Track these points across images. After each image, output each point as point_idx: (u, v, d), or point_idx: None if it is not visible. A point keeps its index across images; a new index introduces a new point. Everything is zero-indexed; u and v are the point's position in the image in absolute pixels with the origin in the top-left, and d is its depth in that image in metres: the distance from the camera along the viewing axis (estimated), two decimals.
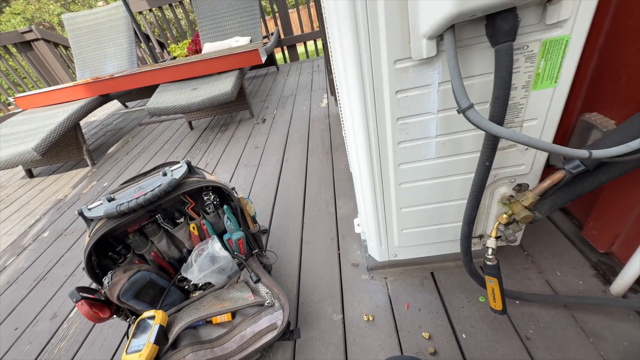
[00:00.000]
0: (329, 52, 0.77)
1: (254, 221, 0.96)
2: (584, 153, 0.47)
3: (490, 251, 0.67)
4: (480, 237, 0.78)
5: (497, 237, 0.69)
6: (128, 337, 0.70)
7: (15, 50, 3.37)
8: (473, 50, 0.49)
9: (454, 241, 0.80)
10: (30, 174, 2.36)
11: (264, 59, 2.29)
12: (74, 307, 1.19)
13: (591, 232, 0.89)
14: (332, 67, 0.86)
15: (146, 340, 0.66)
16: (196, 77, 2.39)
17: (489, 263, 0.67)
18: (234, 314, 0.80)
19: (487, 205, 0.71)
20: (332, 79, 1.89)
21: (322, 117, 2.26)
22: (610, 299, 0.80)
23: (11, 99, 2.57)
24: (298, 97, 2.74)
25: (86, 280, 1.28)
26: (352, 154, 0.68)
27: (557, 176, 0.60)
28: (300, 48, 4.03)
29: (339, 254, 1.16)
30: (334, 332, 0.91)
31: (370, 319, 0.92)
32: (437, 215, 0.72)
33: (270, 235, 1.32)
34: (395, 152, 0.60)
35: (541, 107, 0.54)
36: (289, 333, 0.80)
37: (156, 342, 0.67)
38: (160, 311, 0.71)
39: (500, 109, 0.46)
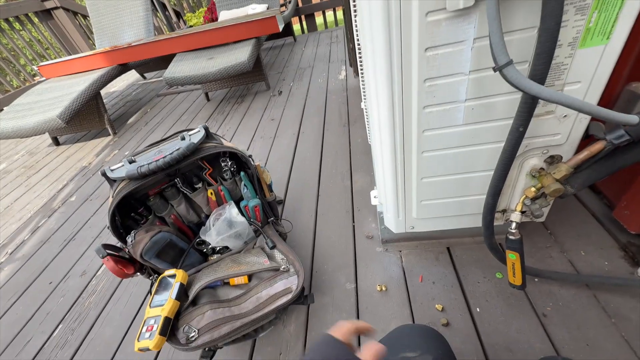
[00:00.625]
0: (352, 10, 0.72)
1: (270, 190, 0.96)
2: (633, 119, 0.43)
3: (514, 225, 0.65)
4: (503, 211, 0.75)
5: (522, 212, 0.66)
6: (151, 293, 0.73)
7: (37, 20, 3.40)
8: (515, 0, 0.44)
9: (475, 215, 0.77)
10: (56, 141, 2.45)
11: (281, 26, 2.21)
12: (102, 265, 1.26)
13: (623, 212, 0.84)
14: (354, 29, 0.81)
15: (168, 296, 0.69)
16: (212, 47, 2.34)
17: (511, 237, 0.64)
18: (250, 277, 0.82)
19: (514, 178, 0.67)
20: (352, 48, 1.81)
21: (339, 89, 2.19)
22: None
23: (35, 68, 2.63)
24: (315, 69, 2.66)
25: (112, 241, 1.35)
26: (373, 121, 0.65)
27: (596, 147, 0.55)
28: (319, 19, 3.85)
29: (354, 226, 1.16)
30: (347, 299, 0.93)
31: (383, 289, 0.92)
32: (459, 186, 0.69)
33: (285, 206, 1.33)
34: (419, 118, 0.57)
35: (587, 68, 0.49)
36: (303, 298, 0.82)
37: (177, 298, 0.71)
38: (180, 270, 0.74)
39: (542, 67, 0.42)
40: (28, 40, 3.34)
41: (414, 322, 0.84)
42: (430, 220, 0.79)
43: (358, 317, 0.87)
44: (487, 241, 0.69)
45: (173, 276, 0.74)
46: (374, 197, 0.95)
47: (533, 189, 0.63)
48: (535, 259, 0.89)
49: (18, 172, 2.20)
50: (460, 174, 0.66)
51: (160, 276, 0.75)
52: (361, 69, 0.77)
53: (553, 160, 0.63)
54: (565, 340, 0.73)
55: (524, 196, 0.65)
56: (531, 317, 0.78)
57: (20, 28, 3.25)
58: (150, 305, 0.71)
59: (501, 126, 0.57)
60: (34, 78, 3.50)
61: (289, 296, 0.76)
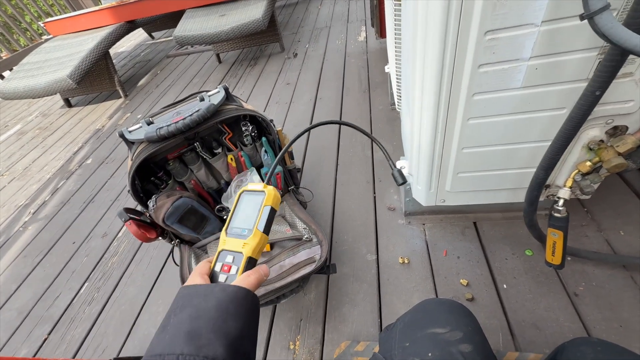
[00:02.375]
0: None
1: (291, 157, 0.92)
2: None
3: (561, 202, 0.60)
4: (546, 187, 0.69)
5: (570, 188, 0.61)
6: (231, 207, 0.46)
7: None
8: None
9: (513, 190, 0.72)
10: (68, 103, 2.42)
11: None
12: (122, 228, 1.28)
13: None
14: None
15: (253, 225, 0.42)
16: (224, 2, 2.19)
17: (557, 215, 0.59)
18: (272, 245, 0.80)
19: (566, 151, 0.61)
20: (377, 5, 1.65)
21: (359, 52, 2.05)
22: None
23: (41, 25, 2.52)
24: (333, 29, 2.48)
25: (130, 204, 1.36)
26: (411, 83, 0.58)
27: None
28: None
29: (375, 197, 1.12)
30: (368, 270, 0.91)
31: (406, 261, 0.91)
32: (503, 158, 0.63)
33: (303, 175, 1.29)
34: (472, 79, 0.50)
35: None
36: (325, 268, 0.81)
37: (265, 230, 0.42)
38: (271, 187, 0.44)
39: None
40: None
41: (437, 295, 0.82)
42: (464, 194, 0.75)
43: (379, 289, 0.87)
44: (527, 217, 0.64)
45: (259, 193, 0.44)
46: (401, 167, 0.90)
47: (588, 163, 0.57)
48: (569, 237, 0.84)
49: (33, 134, 2.20)
50: (507, 144, 0.60)
51: (243, 189, 0.46)
52: (398, 18, 0.68)
53: (615, 131, 0.56)
54: (597, 320, 0.70)
55: (576, 171, 0.59)
56: (561, 296, 0.75)
57: None
58: (226, 231, 0.43)
59: (566, 90, 0.50)
60: (41, 37, 3.39)
61: (313, 266, 0.74)
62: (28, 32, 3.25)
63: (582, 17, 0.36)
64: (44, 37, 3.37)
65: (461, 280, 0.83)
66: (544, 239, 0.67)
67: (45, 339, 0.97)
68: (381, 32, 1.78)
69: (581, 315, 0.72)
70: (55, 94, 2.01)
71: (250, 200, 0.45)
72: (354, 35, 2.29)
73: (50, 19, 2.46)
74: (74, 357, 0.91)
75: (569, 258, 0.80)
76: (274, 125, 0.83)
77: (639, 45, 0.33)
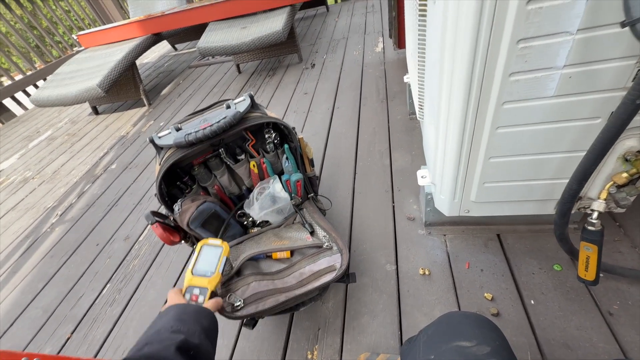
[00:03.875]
0: None
1: (312, 164, 0.92)
2: None
3: (595, 215, 0.57)
4: (578, 199, 0.67)
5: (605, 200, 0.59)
6: (193, 258, 0.64)
7: None
8: None
9: (542, 201, 0.70)
10: (95, 111, 2.53)
11: None
12: (143, 231, 1.31)
13: None
14: None
15: (215, 269, 0.61)
16: (246, 15, 2.26)
17: (591, 228, 0.57)
18: (292, 252, 0.80)
19: (600, 162, 0.59)
20: (395, 17, 1.67)
21: (376, 63, 2.07)
22: None
23: (74, 37, 2.68)
24: (350, 40, 2.52)
25: (153, 207, 1.39)
26: (437, 92, 0.58)
27: None
28: None
29: (394, 206, 1.11)
30: (387, 281, 0.90)
31: (427, 273, 0.89)
32: (533, 169, 0.62)
33: (320, 183, 1.29)
34: (502, 87, 0.50)
35: None
36: (345, 277, 0.80)
37: (223, 273, 0.62)
38: (225, 243, 0.65)
39: None
40: (66, 9, 3.40)
41: (459, 309, 0.80)
42: (489, 205, 0.73)
43: (399, 300, 0.85)
44: (558, 230, 0.62)
45: (218, 247, 0.65)
46: (422, 177, 0.89)
47: (625, 174, 0.55)
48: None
49: (62, 139, 2.31)
50: (536, 154, 0.59)
51: (203, 242, 0.65)
52: (422, 26, 0.68)
53: None
54: (634, 342, 0.66)
55: (612, 183, 0.57)
56: (594, 314, 0.72)
57: None
58: (192, 271, 0.61)
59: (601, 99, 0.49)
60: (73, 48, 3.59)
61: (333, 274, 0.74)
62: (61, 44, 3.46)
63: (623, 24, 0.35)
64: (75, 48, 3.57)
65: (485, 294, 0.80)
66: (576, 253, 0.64)
67: (69, 338, 1.00)
68: (399, 43, 1.80)
69: (617, 335, 0.68)
70: (85, 102, 2.11)
71: (211, 252, 0.65)
72: (371, 46, 2.31)
73: (82, 32, 2.61)
74: (95, 356, 0.93)
75: (601, 274, 0.77)
76: (296, 133, 0.84)
77: None
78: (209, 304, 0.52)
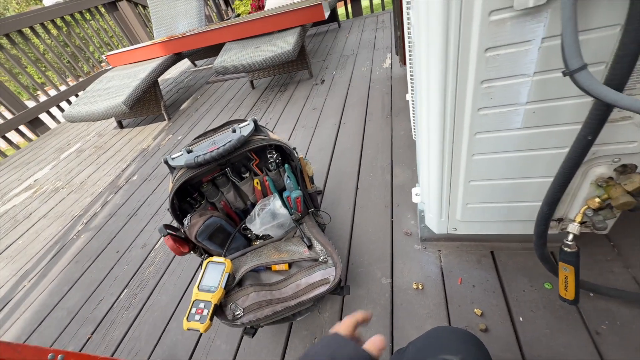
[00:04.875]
0: (404, 3, 0.70)
1: (312, 181, 0.99)
2: None
3: (570, 237, 0.60)
4: (559, 220, 0.70)
5: (582, 223, 0.61)
6: (200, 275, 0.77)
7: (104, 10, 3.72)
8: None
9: (526, 222, 0.73)
10: (120, 125, 2.72)
11: (327, 14, 2.19)
12: (159, 240, 1.41)
13: None
14: (405, 19, 0.78)
15: (218, 285, 0.73)
16: (259, 35, 2.40)
17: (566, 249, 0.60)
18: (290, 265, 0.86)
19: (576, 186, 0.62)
20: (400, 36, 1.73)
21: (383, 79, 2.13)
22: None
23: (104, 57, 2.90)
24: (359, 56, 2.60)
25: (167, 219, 1.50)
26: (420, 119, 0.64)
27: None
28: (364, 1, 3.72)
29: (392, 221, 1.15)
30: (382, 294, 0.94)
31: (420, 287, 0.92)
32: (511, 192, 0.66)
33: (324, 196, 1.35)
34: (473, 120, 0.55)
35: None
36: (339, 289, 0.85)
37: (225, 287, 0.75)
38: (228, 260, 0.77)
39: (623, 71, 0.38)
40: (96, 29, 3.69)
41: (450, 323, 0.83)
42: (475, 224, 0.77)
43: (392, 313, 0.89)
44: (538, 251, 0.65)
45: (221, 264, 0.77)
46: (416, 194, 0.93)
47: (597, 199, 0.58)
48: (592, 273, 0.82)
49: (90, 152, 2.49)
50: (514, 179, 0.63)
51: (208, 260, 0.78)
52: (410, 62, 0.75)
53: (625, 169, 0.57)
54: None
55: (586, 207, 0.60)
56: (582, 333, 0.73)
57: (90, 18, 3.59)
58: (198, 287, 0.74)
59: (566, 131, 0.53)
60: (101, 65, 3.87)
61: (327, 286, 0.79)
62: (90, 61, 3.73)
63: (564, 74, 0.40)
64: (103, 65, 3.84)
65: (475, 310, 0.83)
66: (558, 272, 0.67)
67: (89, 338, 1.09)
68: (404, 60, 1.86)
69: (603, 355, 0.69)
70: (111, 117, 2.28)
71: (215, 268, 0.76)
72: (379, 62, 2.38)
73: (111, 52, 2.83)
74: (111, 356, 1.01)
75: (591, 294, 0.78)
76: (296, 153, 0.91)
77: (615, 100, 0.37)
78: (370, 345, 0.39)
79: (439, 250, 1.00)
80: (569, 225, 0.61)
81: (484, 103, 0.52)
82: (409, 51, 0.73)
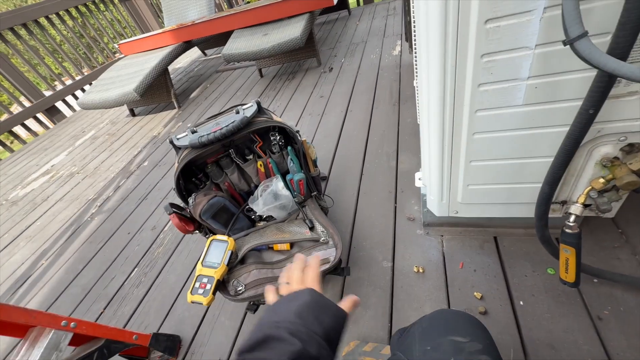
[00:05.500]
0: None
1: (315, 165, 0.99)
2: None
3: (572, 218, 0.59)
4: (563, 203, 0.69)
5: (586, 205, 0.60)
6: (204, 251, 0.80)
7: (117, 0, 3.77)
8: None
9: (528, 204, 0.72)
10: (132, 113, 2.78)
11: (335, 0, 2.15)
12: (168, 222, 1.45)
13: None
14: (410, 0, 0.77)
15: (221, 261, 0.77)
16: (268, 22, 2.38)
17: (568, 231, 0.59)
18: (292, 245, 0.88)
19: (580, 166, 0.60)
20: (409, 21, 1.70)
21: (392, 66, 2.10)
22: None
23: (116, 46, 2.95)
24: (369, 44, 2.56)
25: (176, 202, 1.53)
26: (422, 98, 0.63)
27: None
28: None
29: (396, 207, 1.15)
30: (383, 277, 0.95)
31: (421, 270, 0.92)
32: (512, 172, 0.65)
33: (328, 183, 1.36)
34: (473, 96, 0.54)
35: None
36: (340, 269, 0.86)
37: (227, 264, 0.78)
38: (231, 239, 0.80)
39: (626, 39, 0.36)
40: (110, 20, 3.74)
41: (449, 306, 0.83)
42: (476, 206, 0.76)
43: (392, 295, 0.90)
44: (538, 232, 0.64)
45: (224, 242, 0.80)
46: (419, 178, 0.93)
47: (602, 180, 0.57)
48: (597, 259, 0.81)
49: (103, 139, 2.56)
50: (515, 159, 0.62)
51: (211, 238, 0.82)
52: (415, 44, 0.74)
53: (632, 148, 0.55)
54: (621, 347, 0.67)
55: (590, 187, 0.59)
56: (583, 318, 0.72)
57: (104, 9, 3.64)
58: (202, 263, 0.77)
59: (570, 108, 0.51)
60: (115, 55, 3.93)
61: (326, 266, 0.80)
62: (105, 51, 3.80)
63: (564, 43, 0.39)
64: (117, 55, 3.91)
65: (475, 293, 0.83)
66: (558, 255, 0.66)
67: (101, 313, 1.15)
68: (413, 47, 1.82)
69: (604, 340, 0.68)
70: (124, 104, 2.33)
71: (218, 246, 0.79)
72: (389, 49, 2.34)
73: (123, 41, 2.87)
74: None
75: (595, 280, 0.77)
76: (299, 136, 0.92)
77: (615, 68, 0.36)
78: (345, 304, 0.42)
79: (442, 236, 1.00)
80: (571, 207, 0.60)
81: (484, 78, 0.51)
82: (414, 31, 0.72)
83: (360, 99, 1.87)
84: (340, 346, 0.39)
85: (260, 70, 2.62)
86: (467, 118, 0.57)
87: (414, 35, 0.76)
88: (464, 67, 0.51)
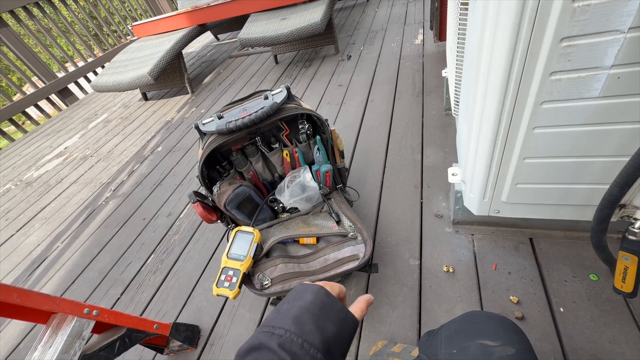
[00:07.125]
0: None
1: (342, 156, 0.95)
2: None
3: (638, 224, 0.54)
4: (621, 207, 0.63)
5: None
6: (228, 243, 0.77)
7: None
8: None
9: (580, 206, 0.67)
10: (145, 97, 2.74)
11: None
12: (184, 209, 1.43)
13: None
14: None
15: (247, 254, 0.74)
16: (286, 6, 2.30)
17: (632, 238, 0.54)
18: (318, 239, 0.84)
19: None
20: (438, 7, 1.61)
21: (414, 55, 2.01)
22: None
23: (129, 27, 2.89)
24: (388, 32, 2.47)
25: (192, 188, 1.51)
26: (473, 87, 0.58)
27: None
28: None
29: (422, 202, 1.11)
30: (410, 275, 0.91)
31: (450, 270, 0.88)
32: (570, 172, 0.59)
33: (349, 175, 1.32)
34: (542, 86, 0.49)
35: None
36: (367, 266, 0.83)
37: (253, 257, 0.76)
38: (257, 230, 0.77)
39: None
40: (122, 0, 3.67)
41: (482, 308, 0.80)
42: (521, 206, 0.71)
43: (420, 295, 0.86)
44: (595, 237, 0.59)
45: (250, 234, 0.77)
46: (452, 174, 0.88)
47: None
48: None
49: (116, 122, 2.53)
50: (576, 157, 0.57)
51: (237, 229, 0.78)
52: (463, 25, 0.67)
53: None
54: None
55: None
56: (631, 329, 0.68)
57: None
58: (227, 255, 0.74)
59: None
60: (127, 37, 3.88)
61: (356, 263, 0.77)
62: (116, 33, 3.74)
63: None
64: (129, 37, 3.85)
65: (511, 297, 0.79)
66: (614, 262, 0.61)
67: (118, 298, 1.13)
68: (440, 35, 1.73)
69: None
70: (137, 88, 2.29)
71: (244, 238, 0.76)
72: (411, 38, 2.25)
73: (136, 22, 2.81)
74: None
75: None
76: (328, 125, 0.87)
77: None
78: (357, 307, 0.37)
79: (472, 235, 0.95)
80: (636, 212, 0.55)
81: (559, 66, 0.46)
82: (462, 9, 0.65)
83: (381, 89, 1.80)
84: (347, 357, 0.32)
85: (275, 57, 2.55)
86: (529, 110, 0.52)
87: (463, 14, 0.69)
88: (536, 52, 0.45)
